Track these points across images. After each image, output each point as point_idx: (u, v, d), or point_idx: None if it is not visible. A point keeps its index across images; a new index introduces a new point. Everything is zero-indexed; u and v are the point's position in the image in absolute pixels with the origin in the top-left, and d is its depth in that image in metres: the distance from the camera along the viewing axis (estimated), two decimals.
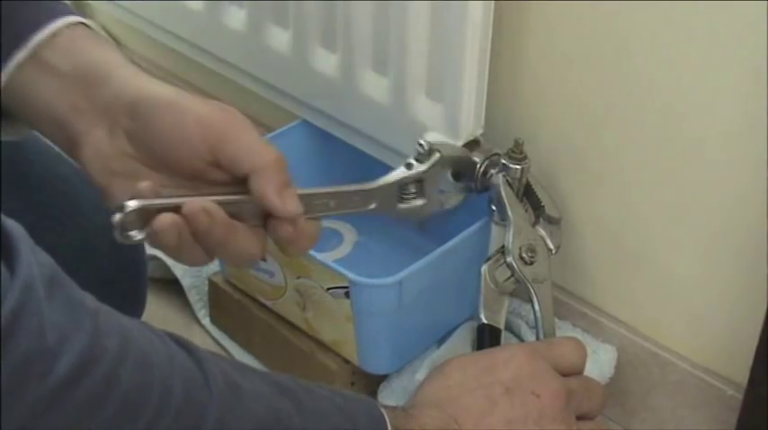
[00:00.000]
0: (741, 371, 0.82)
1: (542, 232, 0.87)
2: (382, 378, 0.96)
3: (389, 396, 0.93)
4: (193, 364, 0.58)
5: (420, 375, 0.90)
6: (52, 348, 0.51)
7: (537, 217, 0.87)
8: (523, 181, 0.86)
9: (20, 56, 0.69)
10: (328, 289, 0.86)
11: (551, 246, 0.87)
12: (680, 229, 0.86)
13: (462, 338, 0.95)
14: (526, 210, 0.86)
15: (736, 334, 0.85)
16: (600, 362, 0.93)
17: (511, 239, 0.84)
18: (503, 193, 0.85)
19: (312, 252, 0.86)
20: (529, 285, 0.85)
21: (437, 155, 0.83)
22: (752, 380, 0.77)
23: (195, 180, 0.68)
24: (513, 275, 0.85)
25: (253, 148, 0.67)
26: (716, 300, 0.86)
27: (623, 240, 0.91)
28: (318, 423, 0.64)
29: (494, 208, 0.87)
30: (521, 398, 0.75)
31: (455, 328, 0.96)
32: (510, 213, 0.85)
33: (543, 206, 0.87)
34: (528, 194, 0.87)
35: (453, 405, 0.74)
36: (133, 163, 0.68)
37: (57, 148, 0.75)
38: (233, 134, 0.67)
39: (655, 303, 0.91)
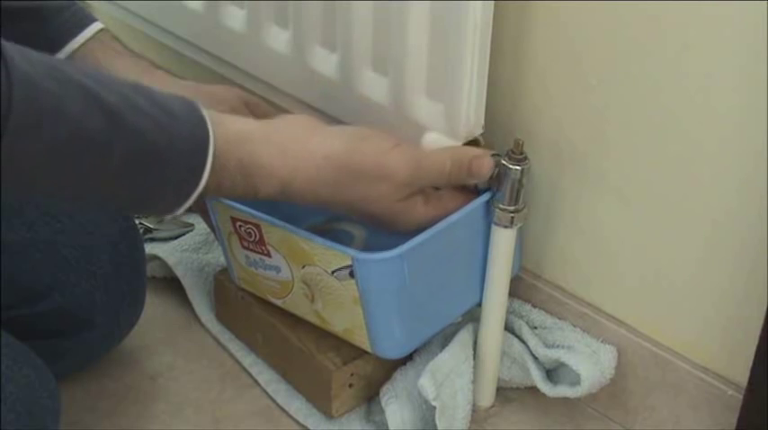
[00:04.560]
0: (741, 371, 0.82)
1: None
2: (383, 381, 0.96)
3: (393, 401, 0.93)
4: None
5: (424, 379, 0.90)
6: None
7: None
8: (523, 181, 0.86)
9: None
10: (333, 272, 0.86)
11: None
12: (680, 229, 0.86)
13: (464, 342, 0.95)
14: None
15: (736, 334, 0.85)
16: (600, 363, 0.93)
17: None
18: None
19: (313, 236, 0.86)
20: None
21: None
22: (752, 380, 0.77)
23: None
24: None
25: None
26: (716, 300, 0.86)
27: (624, 240, 0.91)
28: (132, 141, 0.67)
29: (496, 209, 0.87)
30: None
31: (465, 313, 0.96)
32: None
33: None
34: None
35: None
36: None
37: None
38: None
39: (655, 303, 0.91)
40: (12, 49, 0.61)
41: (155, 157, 0.69)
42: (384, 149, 0.81)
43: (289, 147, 0.78)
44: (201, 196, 0.73)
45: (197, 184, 0.72)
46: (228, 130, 0.74)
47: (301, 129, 0.80)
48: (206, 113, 0.73)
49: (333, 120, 1.00)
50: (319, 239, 0.86)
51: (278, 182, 0.78)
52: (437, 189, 0.87)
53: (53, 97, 0.62)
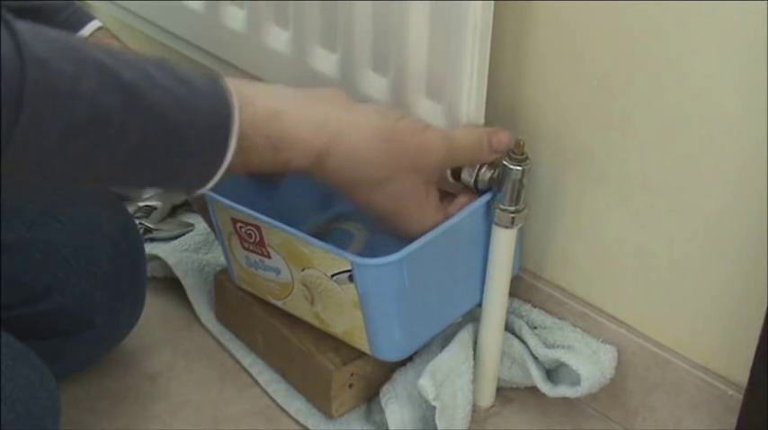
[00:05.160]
0: (741, 371, 0.82)
1: None
2: (383, 381, 0.96)
3: (393, 401, 0.93)
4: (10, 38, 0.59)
5: (423, 379, 0.90)
6: None
7: None
8: (524, 182, 0.86)
9: None
10: (332, 275, 0.86)
11: None
12: (680, 229, 0.86)
13: (464, 342, 0.95)
14: None
15: (736, 334, 0.85)
16: (600, 363, 0.93)
17: None
18: None
19: (313, 240, 0.86)
20: None
21: None
22: (752, 380, 0.77)
23: None
24: None
25: None
26: (716, 300, 0.86)
27: (624, 240, 0.91)
28: (152, 120, 0.66)
29: (496, 209, 0.87)
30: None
31: (465, 314, 0.96)
32: None
33: None
34: None
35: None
36: None
37: None
38: None
39: (655, 303, 0.91)
40: (25, 29, 0.60)
41: (175, 135, 0.67)
42: (421, 128, 0.82)
43: (329, 119, 0.77)
44: (228, 172, 0.71)
45: (221, 163, 0.70)
46: (257, 109, 0.73)
47: (340, 101, 0.80)
48: (233, 90, 0.71)
49: None
50: (319, 243, 0.86)
51: (313, 154, 0.76)
52: (442, 194, 0.88)
53: (68, 78, 0.61)
